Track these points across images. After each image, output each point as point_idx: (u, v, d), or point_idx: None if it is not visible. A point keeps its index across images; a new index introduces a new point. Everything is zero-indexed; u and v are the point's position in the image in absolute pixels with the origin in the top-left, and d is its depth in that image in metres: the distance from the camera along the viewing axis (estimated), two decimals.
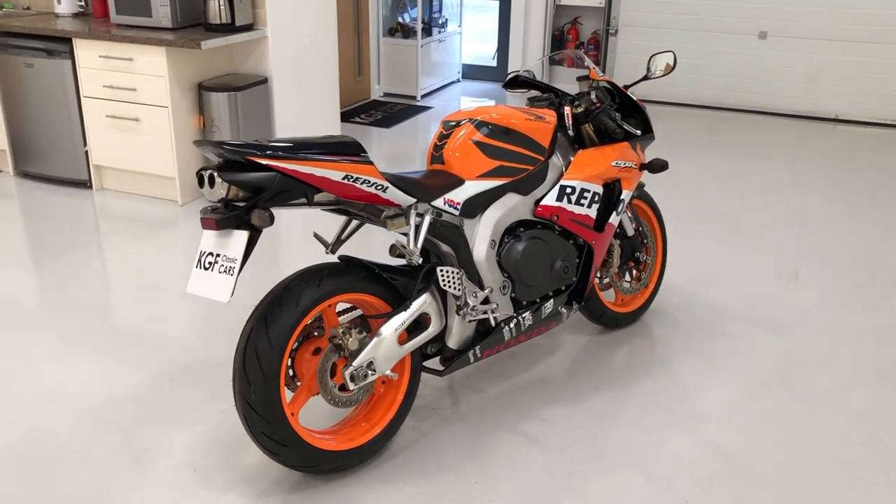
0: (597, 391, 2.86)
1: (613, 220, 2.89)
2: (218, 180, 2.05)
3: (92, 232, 4.30)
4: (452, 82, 8.28)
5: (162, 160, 4.55)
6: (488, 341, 2.61)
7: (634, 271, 3.26)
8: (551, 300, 2.77)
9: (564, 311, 2.84)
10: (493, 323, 2.58)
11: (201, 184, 2.10)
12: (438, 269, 2.43)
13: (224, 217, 2.08)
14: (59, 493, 2.32)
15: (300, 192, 2.15)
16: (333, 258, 3.78)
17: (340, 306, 2.89)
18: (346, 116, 6.78)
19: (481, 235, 2.56)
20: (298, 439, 2.25)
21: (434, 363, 2.82)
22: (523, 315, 2.69)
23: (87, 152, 4.77)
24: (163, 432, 2.61)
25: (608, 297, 3.41)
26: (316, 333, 2.42)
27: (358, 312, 2.52)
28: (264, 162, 2.06)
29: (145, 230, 4.31)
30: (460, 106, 7.34)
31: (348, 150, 2.21)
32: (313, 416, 2.68)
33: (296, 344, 2.39)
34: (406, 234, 2.36)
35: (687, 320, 3.39)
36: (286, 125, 4.96)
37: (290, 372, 2.41)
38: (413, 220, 2.36)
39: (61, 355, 3.07)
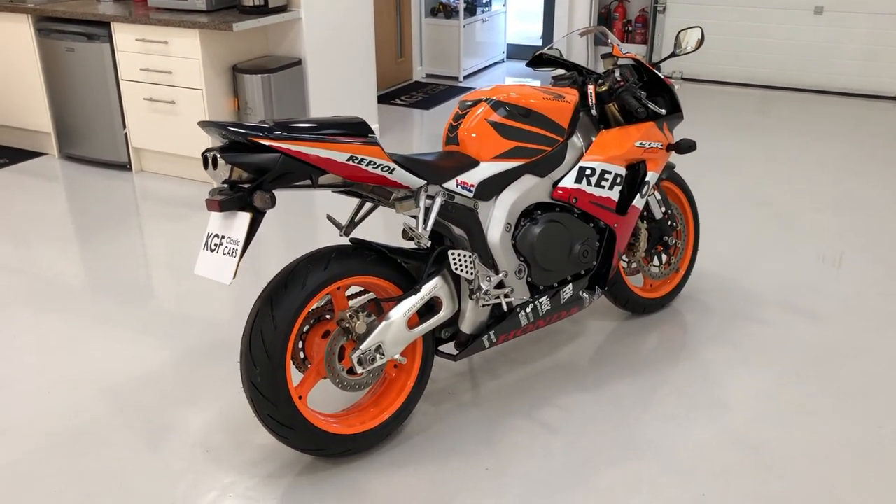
0: (619, 378, 2.79)
1: (637, 202, 2.80)
2: (221, 162, 2.03)
3: (131, 213, 4.37)
4: (496, 62, 8.18)
5: (197, 142, 4.59)
6: (503, 326, 2.55)
7: (664, 255, 3.16)
8: (570, 285, 2.70)
9: (586, 296, 2.76)
10: (506, 308, 2.52)
11: (206, 165, 2.09)
12: (450, 252, 2.38)
13: (227, 199, 2.07)
14: (73, 471, 2.36)
15: (304, 173, 2.12)
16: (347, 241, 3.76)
17: (354, 289, 2.87)
18: (386, 98, 6.75)
19: (496, 218, 2.50)
20: (305, 422, 2.24)
21: (449, 348, 2.78)
22: (540, 300, 2.62)
23: (126, 135, 4.84)
24: (181, 412, 2.63)
25: (636, 282, 3.31)
26: (328, 316, 2.41)
27: (370, 296, 2.49)
28: (267, 143, 2.04)
29: (182, 212, 4.36)
30: None
31: (354, 130, 2.18)
32: (327, 400, 2.67)
33: (306, 326, 2.38)
34: (416, 217, 2.32)
35: (720, 307, 3.28)
36: (321, 107, 4.96)
37: (302, 354, 2.41)
38: (423, 202, 2.31)
39: (94, 332, 3.12)
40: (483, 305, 2.49)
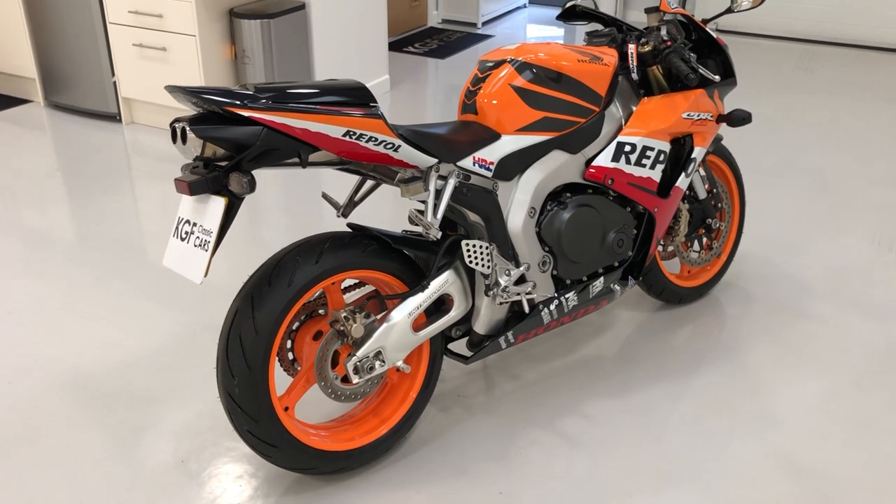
0: (651, 382, 2.46)
1: (682, 183, 2.43)
2: (191, 135, 1.68)
3: (121, 171, 4.03)
4: (518, 7, 7.68)
5: None
6: (523, 325, 2.22)
7: (705, 239, 2.80)
8: (601, 278, 2.35)
9: (618, 288, 2.42)
10: (527, 305, 2.18)
11: (174, 138, 1.74)
12: (464, 242, 2.03)
13: (198, 180, 1.73)
14: (24, 483, 2.06)
15: (291, 150, 1.77)
16: (344, 223, 3.41)
17: (351, 279, 2.53)
18: (397, 45, 6.32)
19: (518, 202, 2.14)
20: (291, 439, 1.93)
21: (460, 346, 2.44)
22: (566, 296, 2.28)
23: (115, 83, 4.46)
24: (156, 411, 2.32)
25: (672, 267, 2.96)
26: (321, 311, 2.08)
27: (369, 288, 2.16)
28: (246, 114, 1.68)
29: (175, 170, 4.01)
30: (525, 35, 6.78)
31: (353, 98, 1.82)
32: (318, 406, 2.35)
33: (296, 323, 2.05)
34: (424, 202, 1.97)
35: (764, 297, 2.93)
36: (326, 55, 4.56)
37: (290, 355, 2.08)
38: (433, 184, 1.96)
39: (70, 308, 2.81)
40: (501, 303, 2.15)
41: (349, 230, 2.04)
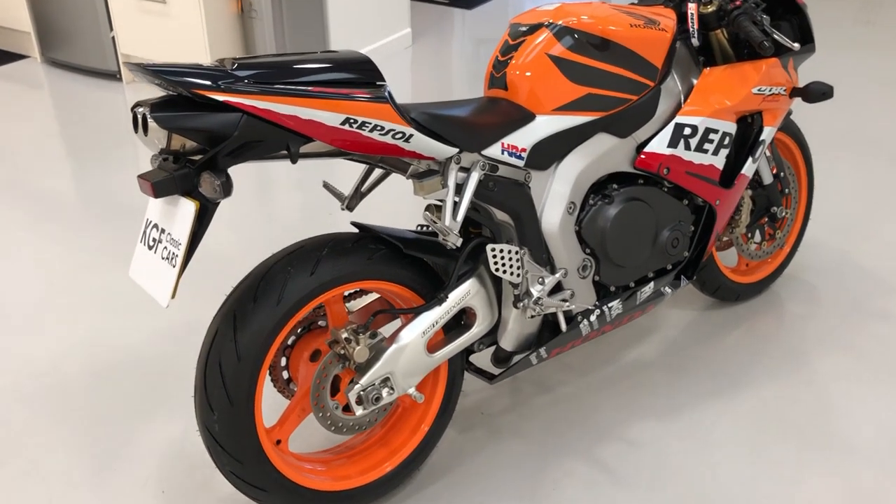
0: (704, 397, 2.13)
1: (748, 169, 2.07)
2: (152, 124, 1.36)
3: (122, 132, 3.72)
4: None
5: (193, 50, 3.87)
6: (558, 340, 1.89)
7: (767, 228, 2.43)
8: (651, 283, 2.01)
9: (669, 290, 2.08)
10: (563, 321, 1.85)
11: (135, 127, 1.41)
12: (489, 247, 1.70)
13: (164, 179, 1.41)
14: None
15: (277, 142, 1.44)
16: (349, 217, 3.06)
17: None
18: None
19: (555, 195, 1.80)
20: (282, 480, 1.63)
21: (485, 359, 2.12)
22: (609, 305, 1.94)
23: (113, 39, 4.13)
24: (138, 427, 2.04)
25: (727, 259, 2.60)
26: (321, 323, 1.77)
27: (375, 298, 1.84)
28: (221, 98, 1.35)
29: None
30: None
31: (355, 76, 1.48)
32: (314, 426, 2.05)
33: (292, 337, 1.75)
34: (442, 202, 1.63)
35: (832, 293, 2.56)
36: (341, 9, 4.17)
37: (285, 374, 1.78)
38: (453, 179, 1.62)
39: (55, 296, 2.52)
40: (532, 316, 1.82)
41: (353, 230, 1.72)
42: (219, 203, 1.43)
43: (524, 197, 1.75)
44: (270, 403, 2.04)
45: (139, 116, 1.38)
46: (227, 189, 1.37)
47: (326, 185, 1.87)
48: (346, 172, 3.34)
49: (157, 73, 1.33)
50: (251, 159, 1.45)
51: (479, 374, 1.92)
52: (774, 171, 2.33)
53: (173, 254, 1.43)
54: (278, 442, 1.69)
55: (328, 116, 1.43)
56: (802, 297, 2.55)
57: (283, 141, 1.44)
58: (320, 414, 1.67)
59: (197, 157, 1.43)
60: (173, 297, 1.43)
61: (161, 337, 2.38)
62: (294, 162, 1.47)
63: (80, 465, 1.93)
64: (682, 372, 2.23)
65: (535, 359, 1.89)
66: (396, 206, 3.02)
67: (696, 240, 2.07)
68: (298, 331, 1.76)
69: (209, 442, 1.58)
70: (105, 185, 3.28)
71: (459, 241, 1.61)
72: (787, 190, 2.37)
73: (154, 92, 1.48)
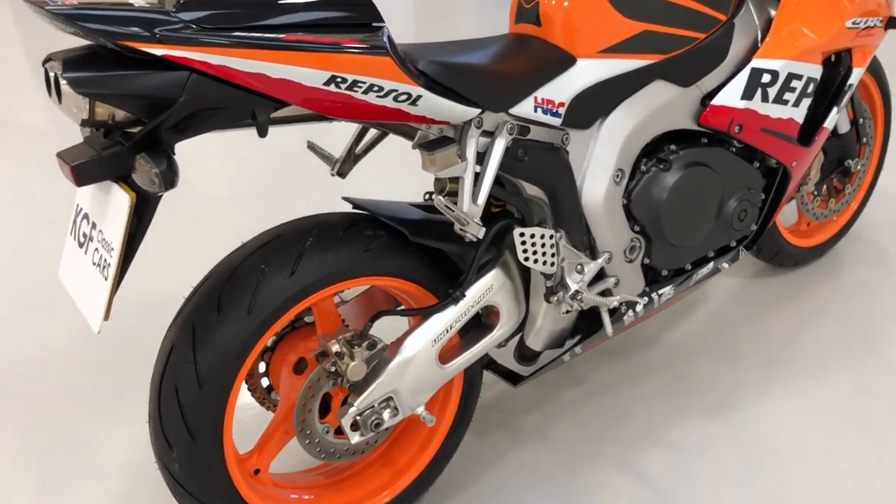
0: (763, 390, 1.81)
1: (830, 121, 1.69)
2: (66, 88, 0.98)
3: None
4: None
5: None
6: (598, 336, 1.55)
7: (835, 182, 2.06)
8: (711, 263, 1.66)
9: (726, 264, 1.73)
10: (607, 312, 1.51)
11: (48, 89, 1.04)
12: (517, 232, 1.34)
13: (88, 161, 1.04)
14: None
15: (240, 109, 1.07)
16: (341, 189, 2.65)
17: None
18: None
19: (599, 161, 1.43)
20: None
21: (507, 355, 1.77)
22: (660, 291, 1.60)
23: None
24: (94, 430, 1.72)
25: (785, 218, 2.24)
26: (309, 319, 1.43)
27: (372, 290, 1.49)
28: (160, 52, 0.98)
29: None
30: None
31: (342, 14, 1.09)
32: None
33: (273, 339, 1.42)
34: (460, 180, 1.27)
35: None
36: None
37: (265, 381, 1.45)
38: (473, 148, 1.25)
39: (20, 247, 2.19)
40: (567, 311, 1.48)
41: (345, 208, 1.36)
42: (160, 196, 1.07)
43: (561, 165, 1.38)
44: (248, 416, 1.71)
45: (50, 77, 1.01)
46: (167, 179, 1.01)
47: (311, 147, 1.50)
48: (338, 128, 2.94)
49: (68, 17, 0.95)
50: (205, 131, 1.08)
51: (503, 376, 1.59)
52: (851, 118, 1.95)
53: (105, 261, 1.08)
54: (257, 472, 1.37)
55: (307, 74, 1.05)
56: (870, 259, 2.20)
57: (247, 107, 1.07)
58: (307, 441, 1.35)
59: (135, 130, 1.06)
60: (106, 318, 1.08)
61: (129, 315, 2.04)
62: (263, 134, 1.10)
63: (27, 471, 1.62)
64: (734, 358, 1.90)
65: (568, 356, 1.56)
66: (401, 165, 2.64)
67: (767, 209, 1.71)
68: (280, 330, 1.43)
69: (169, 481, 1.27)
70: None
71: (482, 232, 1.25)
72: (864, 139, 1.99)
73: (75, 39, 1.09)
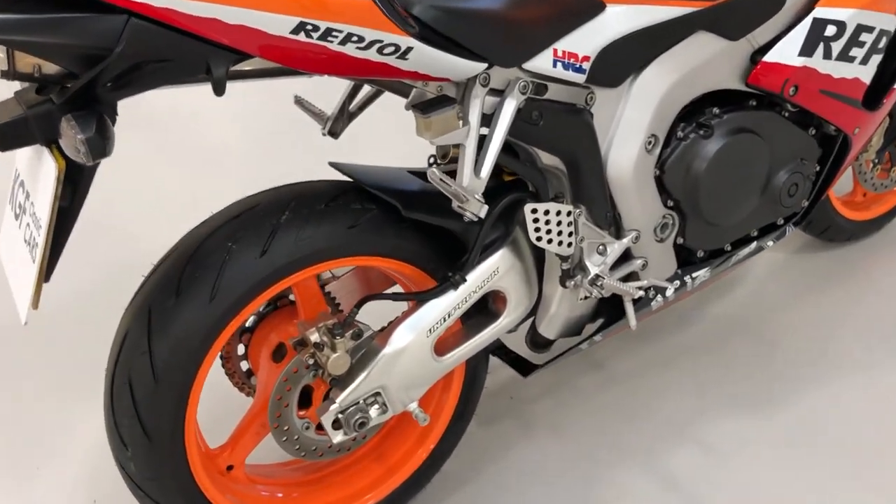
0: (800, 379, 1.62)
1: None
2: None
3: None
4: None
5: None
6: (620, 325, 1.37)
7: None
8: (754, 244, 1.46)
9: (770, 242, 1.53)
10: (632, 315, 1.32)
11: None
12: (529, 208, 1.16)
13: (11, 122, 0.89)
14: None
15: (191, 61, 0.89)
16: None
17: None
18: None
19: (630, 125, 1.23)
20: None
21: (517, 339, 1.57)
22: (693, 274, 1.41)
23: None
24: (61, 422, 1.58)
25: (839, 187, 2.01)
26: (292, 297, 1.27)
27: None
28: None
29: None
30: None
31: None
32: None
33: (252, 318, 1.26)
34: (460, 147, 1.08)
35: None
36: None
37: (244, 364, 1.30)
38: (477, 111, 1.06)
39: None
40: (586, 297, 1.30)
41: (331, 176, 1.18)
42: (95, 166, 0.90)
43: (583, 129, 1.19)
44: (224, 402, 1.54)
45: None
46: (95, 147, 0.84)
47: (300, 102, 1.32)
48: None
49: None
50: (151, 87, 0.91)
51: (511, 364, 1.42)
52: None
53: (34, 240, 0.92)
54: (230, 468, 1.23)
55: (270, 20, 0.87)
56: None
57: (200, 60, 0.89)
58: (284, 438, 1.20)
59: (68, 86, 0.89)
60: (35, 306, 0.92)
61: (100, 283, 1.90)
62: (219, 92, 0.92)
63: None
64: (774, 343, 1.71)
65: (586, 345, 1.39)
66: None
67: (821, 182, 1.49)
68: (261, 309, 1.27)
69: (126, 481, 1.13)
70: None
71: (483, 211, 1.07)
72: None
73: None
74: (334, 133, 1.32)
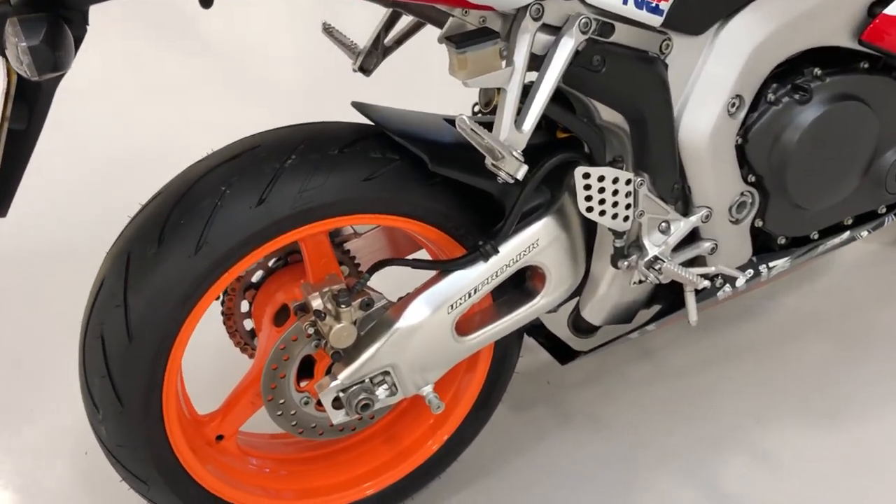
0: (882, 390, 1.41)
1: None
2: None
3: None
4: None
5: None
6: (678, 315, 1.19)
7: None
8: (847, 232, 1.24)
9: (865, 232, 1.31)
10: (693, 310, 1.13)
11: None
12: (581, 171, 0.97)
13: None
14: None
15: None
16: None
17: None
18: None
19: (711, 82, 1.03)
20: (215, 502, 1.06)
21: (558, 317, 1.39)
22: (771, 264, 1.20)
23: None
24: (52, 358, 1.48)
25: None
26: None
27: (378, 231, 1.16)
28: None
29: None
30: None
31: None
32: None
33: (259, 274, 1.12)
34: (501, 92, 0.90)
35: None
36: None
37: (248, 323, 1.17)
38: (525, 47, 0.88)
39: None
40: (640, 282, 1.11)
41: (352, 118, 1.02)
42: (55, 82, 0.75)
43: (655, 82, 0.99)
44: (225, 359, 1.40)
45: None
46: (39, 58, 0.68)
47: (328, 30, 1.15)
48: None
49: None
50: None
51: (549, 347, 1.25)
52: None
53: None
54: (219, 438, 1.10)
55: None
56: None
57: None
58: (278, 413, 1.06)
59: None
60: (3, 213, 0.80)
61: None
62: (206, 5, 0.75)
63: None
64: (857, 346, 1.50)
65: (637, 334, 1.21)
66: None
67: None
68: (271, 264, 1.12)
69: (100, 445, 1.01)
70: None
71: (521, 172, 0.89)
72: None
73: None
74: (365, 69, 1.15)
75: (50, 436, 1.35)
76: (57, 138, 2.03)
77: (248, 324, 1.18)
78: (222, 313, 1.15)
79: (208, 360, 1.38)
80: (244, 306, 1.16)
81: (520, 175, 0.88)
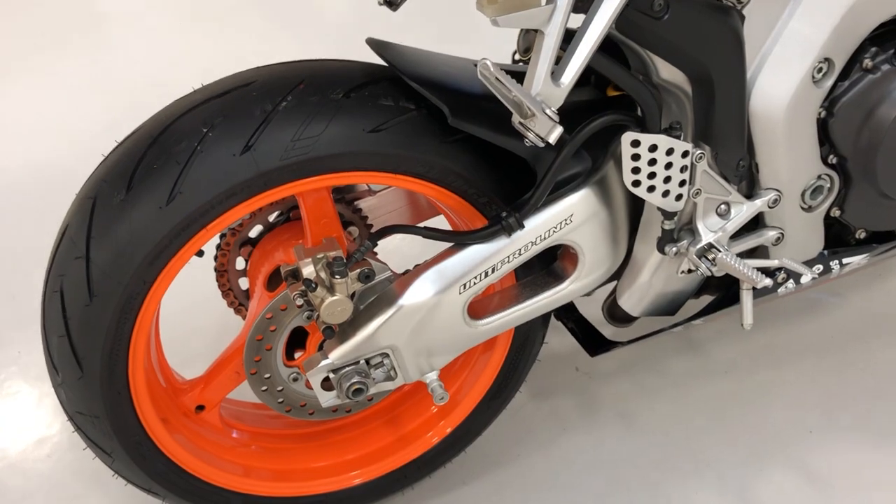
0: None
1: None
2: None
3: None
4: None
5: None
6: (728, 311, 1.03)
7: None
8: None
9: None
10: (748, 309, 0.97)
11: None
12: (629, 137, 0.82)
13: None
14: None
15: None
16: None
17: None
18: None
19: (794, 41, 0.86)
20: (190, 481, 0.95)
21: (591, 301, 1.24)
22: (844, 260, 1.03)
23: None
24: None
25: None
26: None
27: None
28: None
29: None
30: None
31: None
32: None
33: (257, 229, 1.00)
34: (536, 35, 0.74)
35: None
36: None
37: (244, 283, 1.05)
38: None
39: None
40: (689, 271, 0.96)
41: (366, 57, 0.87)
42: None
43: (727, 36, 0.82)
44: (213, 324, 1.28)
45: None
46: None
47: None
48: None
49: None
50: None
51: (578, 334, 1.10)
52: None
53: None
54: (200, 408, 0.98)
55: None
56: None
57: None
58: (263, 388, 0.94)
59: None
60: None
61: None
62: None
63: None
64: None
65: (681, 328, 1.06)
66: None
67: None
68: (271, 219, 1.00)
69: (68, 419, 0.90)
70: None
71: (555, 134, 0.73)
72: None
73: None
74: (392, 3, 1.00)
75: (35, 381, 1.27)
76: (85, 64, 1.93)
77: (245, 283, 1.06)
78: (215, 269, 1.03)
79: (210, 320, 1.28)
80: (240, 263, 1.04)
81: (552, 138, 0.73)
